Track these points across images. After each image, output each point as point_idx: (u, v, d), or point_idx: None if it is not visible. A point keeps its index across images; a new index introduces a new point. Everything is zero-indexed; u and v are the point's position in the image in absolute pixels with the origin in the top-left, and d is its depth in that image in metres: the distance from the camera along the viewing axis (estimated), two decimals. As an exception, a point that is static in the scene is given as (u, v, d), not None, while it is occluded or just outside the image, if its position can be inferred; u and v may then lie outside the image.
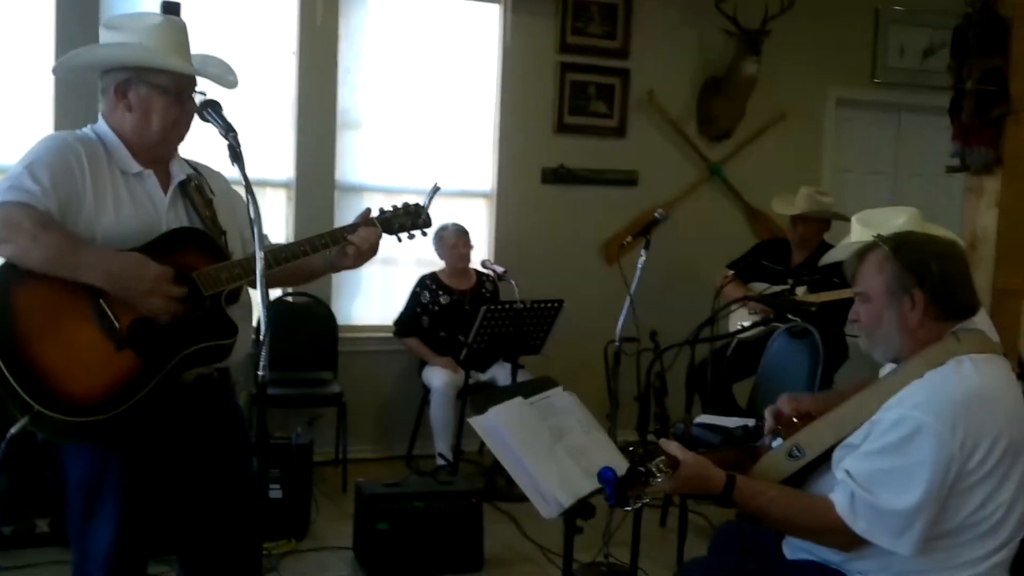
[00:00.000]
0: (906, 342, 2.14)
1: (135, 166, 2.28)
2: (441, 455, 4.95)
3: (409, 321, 5.22)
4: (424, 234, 2.60)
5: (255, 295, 2.50)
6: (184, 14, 3.86)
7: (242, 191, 2.40)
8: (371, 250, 2.45)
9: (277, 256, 2.30)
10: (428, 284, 5.24)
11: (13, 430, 2.10)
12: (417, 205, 2.56)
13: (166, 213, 2.29)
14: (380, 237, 2.46)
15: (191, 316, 2.18)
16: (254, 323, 2.04)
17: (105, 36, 2.32)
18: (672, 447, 2.10)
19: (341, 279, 5.45)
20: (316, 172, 5.30)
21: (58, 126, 4.66)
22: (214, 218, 2.32)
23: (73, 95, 4.69)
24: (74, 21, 4.69)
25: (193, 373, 2.25)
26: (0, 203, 2.09)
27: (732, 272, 5.01)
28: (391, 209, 2.54)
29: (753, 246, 5.50)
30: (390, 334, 5.28)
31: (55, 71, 2.37)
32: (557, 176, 5.85)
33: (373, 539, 3.77)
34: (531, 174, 5.80)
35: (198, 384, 2.27)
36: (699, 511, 4.45)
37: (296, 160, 5.28)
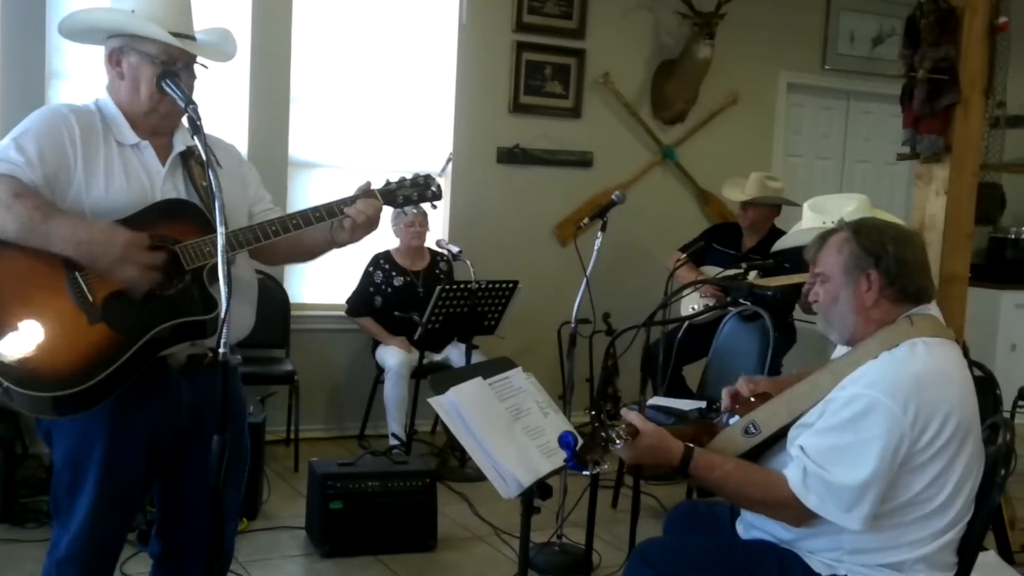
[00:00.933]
0: (860, 322, 2.21)
1: (132, 137, 2.24)
2: (394, 435, 4.94)
3: (361, 301, 5.19)
4: (434, 206, 2.51)
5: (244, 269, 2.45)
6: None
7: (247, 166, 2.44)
8: (368, 223, 2.35)
9: (266, 230, 2.24)
10: (381, 264, 5.21)
11: None
12: (427, 176, 2.47)
13: (162, 184, 2.25)
14: (379, 210, 2.37)
15: (169, 291, 2.14)
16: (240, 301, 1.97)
17: (112, 3, 2.28)
18: (632, 416, 2.14)
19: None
20: (269, 148, 5.23)
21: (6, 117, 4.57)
22: (209, 188, 2.24)
23: (16, 82, 4.62)
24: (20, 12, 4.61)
25: (184, 355, 2.22)
26: None
27: (684, 255, 5.07)
28: (397, 180, 2.46)
29: (705, 230, 5.56)
30: (343, 313, 5.26)
31: (60, 31, 2.31)
32: (512, 156, 5.84)
33: (326, 518, 3.76)
34: (486, 154, 5.78)
35: (190, 365, 2.24)
36: (651, 492, 4.51)
37: (249, 135, 5.20)
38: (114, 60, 2.24)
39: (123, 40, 2.21)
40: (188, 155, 2.30)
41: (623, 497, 4.51)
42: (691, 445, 2.16)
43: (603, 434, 1.98)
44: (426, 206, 2.52)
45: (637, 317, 3.26)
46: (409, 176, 2.46)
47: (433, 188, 2.46)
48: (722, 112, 6.39)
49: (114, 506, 2.24)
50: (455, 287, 4.70)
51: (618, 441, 2.01)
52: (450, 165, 2.53)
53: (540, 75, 5.87)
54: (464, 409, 2.29)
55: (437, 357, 5.16)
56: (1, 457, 3.88)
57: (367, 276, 5.21)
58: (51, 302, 2.05)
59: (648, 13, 6.08)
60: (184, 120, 2.13)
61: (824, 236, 2.30)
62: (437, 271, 5.29)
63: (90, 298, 2.08)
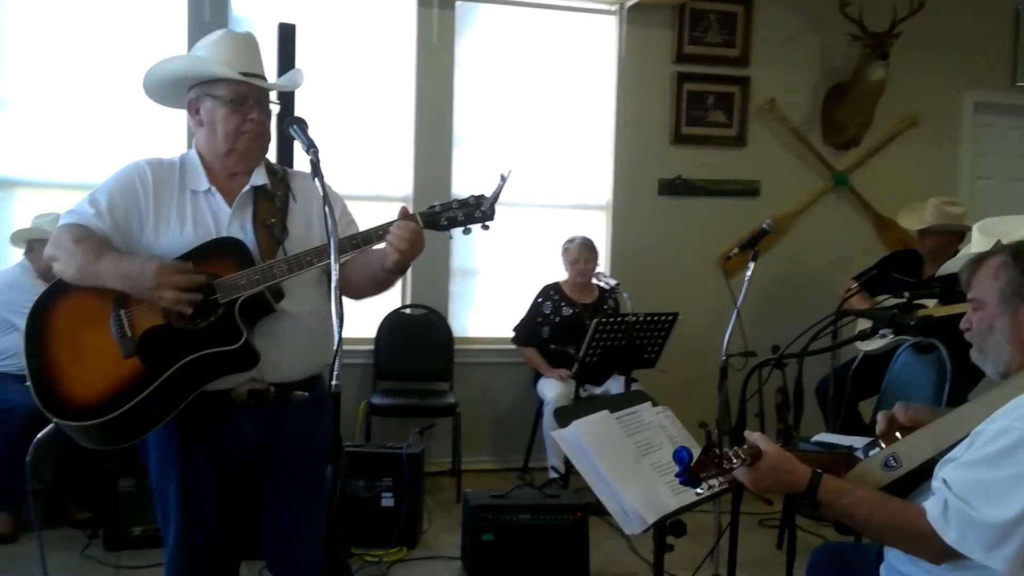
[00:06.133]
0: (1016, 354, 2.06)
1: (204, 184, 2.36)
2: (554, 468, 4.95)
3: (528, 330, 5.25)
4: (486, 227, 2.34)
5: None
6: (303, 36, 4.02)
7: (337, 201, 2.42)
8: (407, 246, 2.23)
9: (300, 260, 2.24)
10: (551, 294, 5.26)
11: (40, 435, 2.24)
12: (479, 197, 2.35)
13: (228, 225, 2.34)
14: (416, 232, 2.25)
15: (200, 325, 2.21)
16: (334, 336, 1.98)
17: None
18: (755, 437, 2.05)
19: (457, 291, 5.54)
20: (433, 186, 5.39)
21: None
22: (274, 225, 2.34)
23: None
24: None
25: (244, 389, 2.29)
26: (59, 226, 2.28)
27: (856, 284, 4.84)
28: (445, 202, 2.37)
29: (881, 258, 5.30)
30: (506, 346, 5.33)
31: (146, 93, 2.46)
32: (674, 188, 5.79)
33: (479, 550, 3.80)
34: (648, 186, 5.77)
35: (252, 399, 2.30)
36: (820, 533, 4.30)
37: (414, 175, 5.40)
38: (193, 109, 2.38)
39: (198, 89, 2.35)
40: (259, 192, 2.37)
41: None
42: (819, 471, 2.04)
43: (716, 451, 1.91)
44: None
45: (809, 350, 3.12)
46: (462, 197, 2.36)
47: (483, 209, 2.33)
48: (901, 135, 6.09)
49: (195, 532, 2.36)
50: (611, 320, 4.67)
51: (735, 460, 1.93)
52: (504, 185, 2.30)
53: (702, 105, 5.79)
54: (587, 443, 2.27)
55: (597, 390, 5.13)
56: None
57: (536, 306, 5.27)
58: (94, 338, 2.21)
59: (815, 37, 5.90)
60: (263, 161, 2.25)
61: (979, 259, 2.15)
62: (605, 306, 5.28)
63: (128, 333, 2.21)
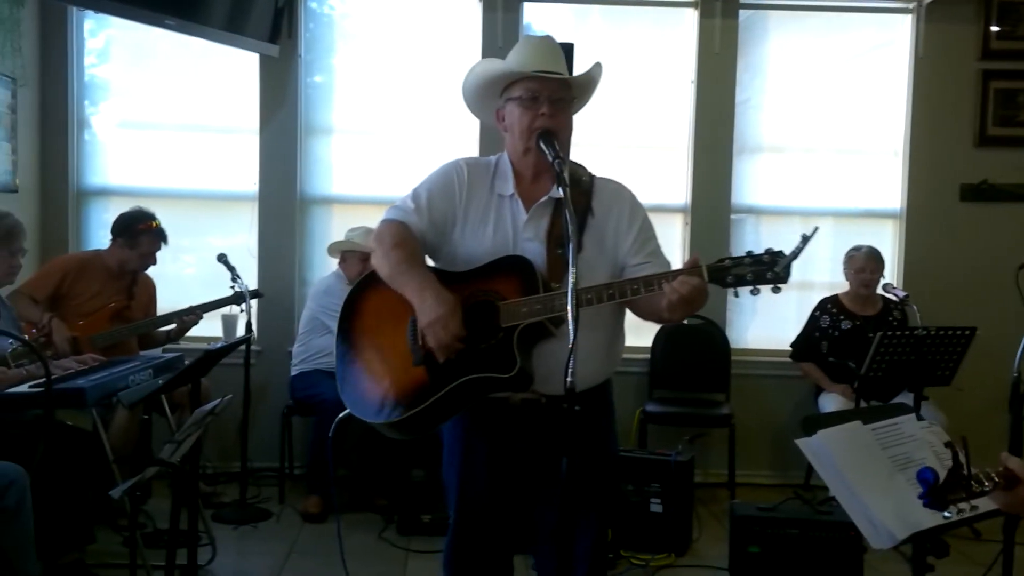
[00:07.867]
0: None
1: (510, 189, 2.42)
2: (835, 486, 4.75)
3: (806, 345, 5.10)
4: (776, 290, 2.18)
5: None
6: (586, 51, 4.18)
7: (642, 213, 2.47)
8: (683, 302, 2.15)
9: (580, 296, 2.09)
10: (829, 308, 5.09)
11: (341, 415, 2.48)
12: (776, 254, 2.16)
13: (522, 231, 2.38)
14: (698, 288, 2.16)
15: (483, 345, 2.28)
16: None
17: None
18: (1013, 463, 1.91)
19: (736, 301, 5.48)
20: (711, 197, 5.40)
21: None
22: (563, 241, 2.27)
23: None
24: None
25: (519, 397, 2.36)
26: (382, 219, 2.45)
27: None
28: (737, 257, 2.21)
29: None
30: (784, 358, 5.21)
31: (465, 102, 2.57)
32: (979, 193, 5.39)
33: (745, 561, 3.76)
34: (948, 192, 5.43)
35: (524, 407, 2.38)
36: None
37: (692, 185, 5.42)
38: (499, 117, 2.47)
39: (503, 98, 2.44)
40: (560, 203, 2.31)
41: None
42: None
43: (965, 472, 1.80)
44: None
45: None
46: (753, 253, 2.19)
47: (776, 270, 2.14)
48: None
49: (469, 521, 2.51)
50: (898, 334, 4.44)
51: (986, 484, 1.81)
52: (805, 246, 2.08)
53: (1013, 103, 5.38)
54: (834, 453, 2.21)
55: (884, 407, 4.88)
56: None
57: (813, 320, 5.12)
58: (394, 339, 2.35)
59: None
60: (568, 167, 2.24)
61: None
62: (890, 318, 5.02)
63: (419, 342, 2.32)
